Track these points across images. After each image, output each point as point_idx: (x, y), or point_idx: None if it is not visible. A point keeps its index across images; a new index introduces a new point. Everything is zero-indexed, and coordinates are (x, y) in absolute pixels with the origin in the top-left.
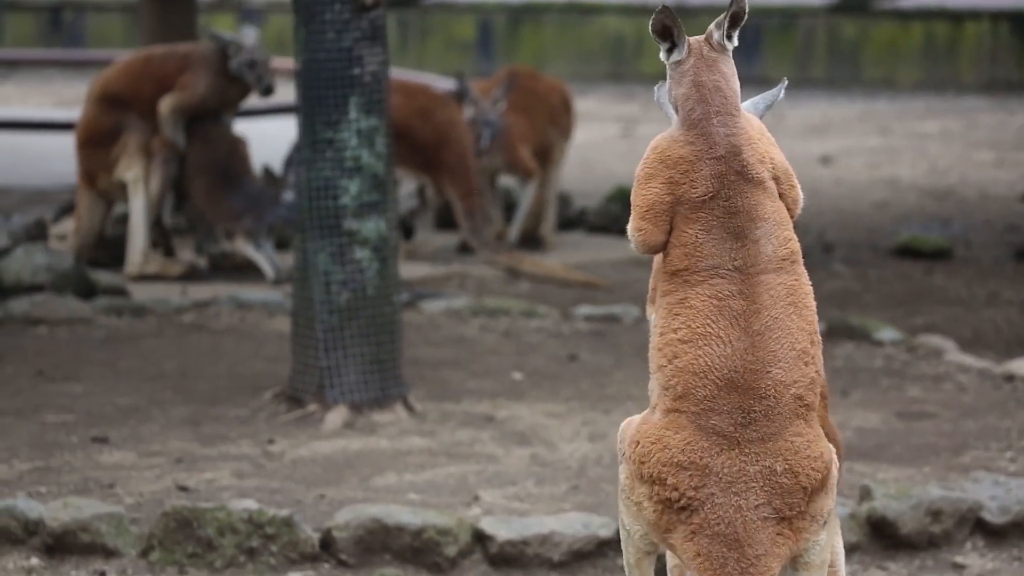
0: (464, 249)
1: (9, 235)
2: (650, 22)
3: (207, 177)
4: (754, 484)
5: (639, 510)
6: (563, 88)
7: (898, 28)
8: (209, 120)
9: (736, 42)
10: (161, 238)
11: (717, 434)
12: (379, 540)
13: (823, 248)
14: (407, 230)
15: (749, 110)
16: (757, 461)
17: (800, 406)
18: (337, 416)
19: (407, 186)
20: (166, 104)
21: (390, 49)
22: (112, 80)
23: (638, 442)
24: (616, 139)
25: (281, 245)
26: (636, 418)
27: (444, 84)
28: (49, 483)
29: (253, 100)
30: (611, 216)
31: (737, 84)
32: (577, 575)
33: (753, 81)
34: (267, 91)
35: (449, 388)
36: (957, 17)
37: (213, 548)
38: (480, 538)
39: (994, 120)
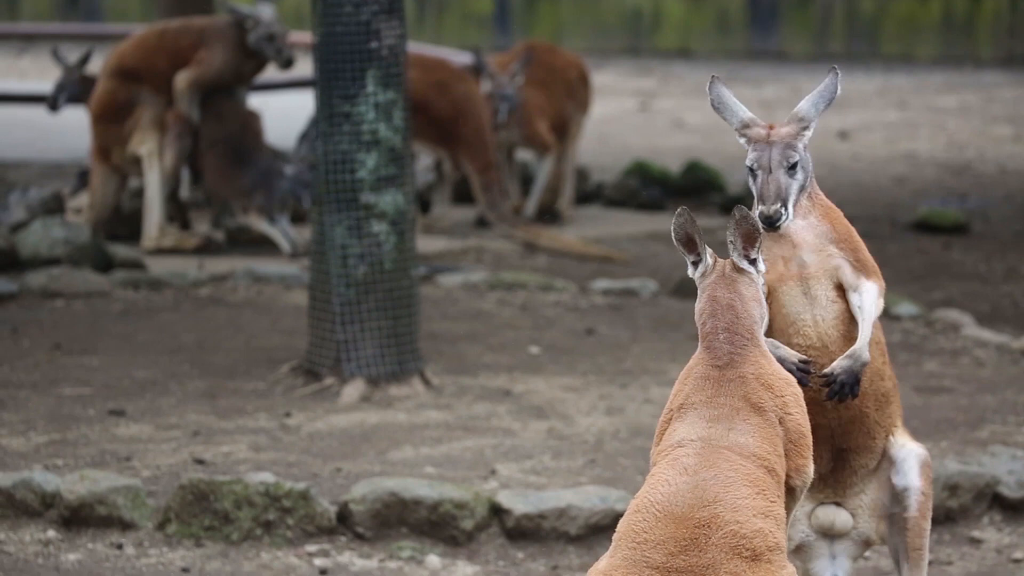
0: (481, 223)
1: (26, 208)
2: (672, 229)
3: (219, 153)
4: None
5: None
6: (580, 62)
7: (916, 3)
8: (222, 95)
9: (762, 266)
10: (177, 212)
11: (651, 567)
12: (396, 513)
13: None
14: (424, 204)
15: (810, 113)
16: None
17: (742, 548)
18: (354, 390)
19: (424, 160)
20: (182, 79)
21: (407, 23)
22: (127, 54)
23: None
24: (633, 113)
25: (297, 219)
26: None
27: (461, 58)
28: (66, 456)
29: (270, 73)
30: (628, 190)
31: (757, 309)
32: (594, 548)
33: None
34: (287, 64)
35: (466, 362)
36: None
37: (230, 521)
38: (497, 511)
39: (1012, 95)
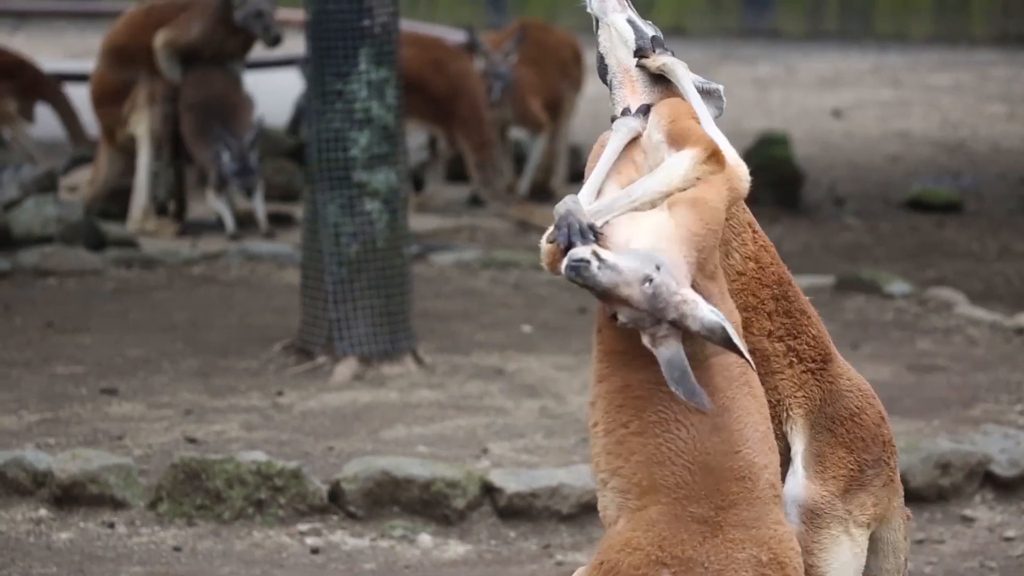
0: (475, 202)
1: (19, 186)
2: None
3: (191, 117)
4: (744, 573)
5: None
6: (574, 41)
7: None
8: (214, 66)
9: None
10: (178, 193)
11: (697, 522)
12: (388, 492)
13: (834, 201)
14: (417, 182)
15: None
16: (743, 549)
17: (775, 494)
18: (346, 368)
19: (418, 138)
20: (159, 37)
21: (400, 1)
22: (117, 34)
23: (602, 562)
24: None
25: (291, 197)
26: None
27: (455, 36)
28: (58, 434)
29: (263, 52)
30: None
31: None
32: (586, 527)
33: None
34: (274, 41)
35: (459, 341)
36: None
37: (221, 500)
38: (489, 490)
39: (1006, 73)
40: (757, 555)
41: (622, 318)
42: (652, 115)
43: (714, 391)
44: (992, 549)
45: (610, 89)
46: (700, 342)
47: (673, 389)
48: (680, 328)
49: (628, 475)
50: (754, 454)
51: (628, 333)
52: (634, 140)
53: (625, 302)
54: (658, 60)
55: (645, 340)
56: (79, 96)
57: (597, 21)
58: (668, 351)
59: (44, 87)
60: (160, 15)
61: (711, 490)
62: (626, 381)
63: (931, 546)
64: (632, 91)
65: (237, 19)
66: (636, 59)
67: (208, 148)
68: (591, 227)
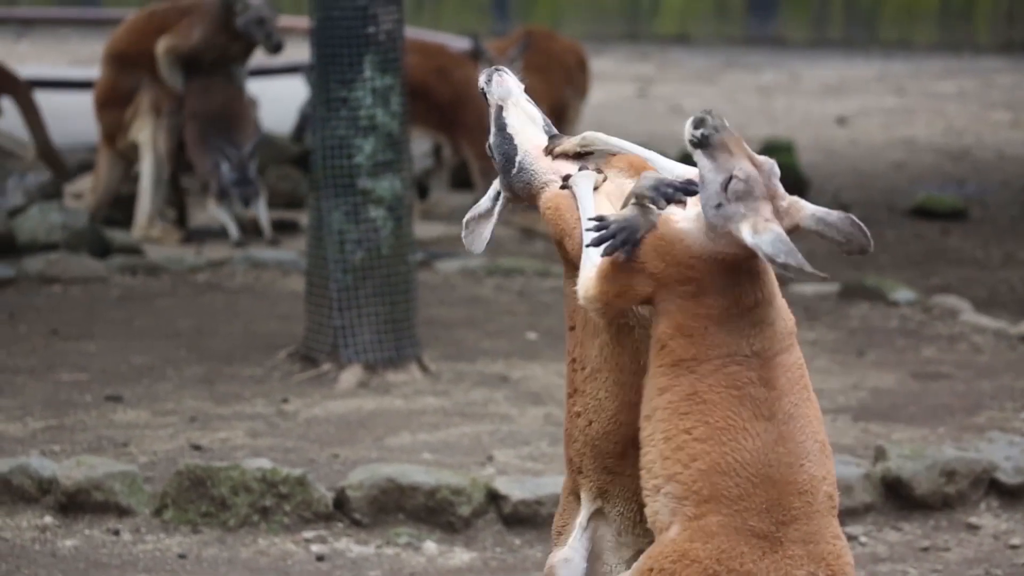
0: None
1: (24, 193)
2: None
3: (194, 126)
4: None
5: None
6: (578, 48)
7: None
8: (217, 74)
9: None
10: (176, 199)
11: (757, 536)
12: (393, 500)
13: (839, 208)
14: (422, 189)
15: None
16: (802, 566)
17: (831, 505)
18: (351, 376)
19: (422, 145)
20: (160, 44)
21: (405, 8)
22: (119, 39)
23: (652, 569)
24: (632, 99)
25: (296, 204)
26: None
27: (460, 43)
28: (63, 442)
29: (267, 59)
30: None
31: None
32: None
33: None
34: (276, 48)
35: (463, 348)
36: None
37: (227, 507)
38: (494, 498)
39: (1011, 81)
40: (815, 572)
41: (737, 181)
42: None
43: (780, 395)
44: (997, 557)
45: (519, 168)
46: (769, 337)
47: (780, 264)
48: (781, 217)
49: (687, 482)
50: (814, 466)
51: (695, 341)
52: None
53: (750, 158)
54: (573, 139)
55: (746, 232)
56: (79, 103)
57: (499, 108)
58: (771, 233)
59: (9, 84)
60: (162, 20)
61: (772, 504)
62: (694, 388)
63: (936, 554)
64: (550, 163)
65: (238, 25)
66: (552, 145)
67: (208, 158)
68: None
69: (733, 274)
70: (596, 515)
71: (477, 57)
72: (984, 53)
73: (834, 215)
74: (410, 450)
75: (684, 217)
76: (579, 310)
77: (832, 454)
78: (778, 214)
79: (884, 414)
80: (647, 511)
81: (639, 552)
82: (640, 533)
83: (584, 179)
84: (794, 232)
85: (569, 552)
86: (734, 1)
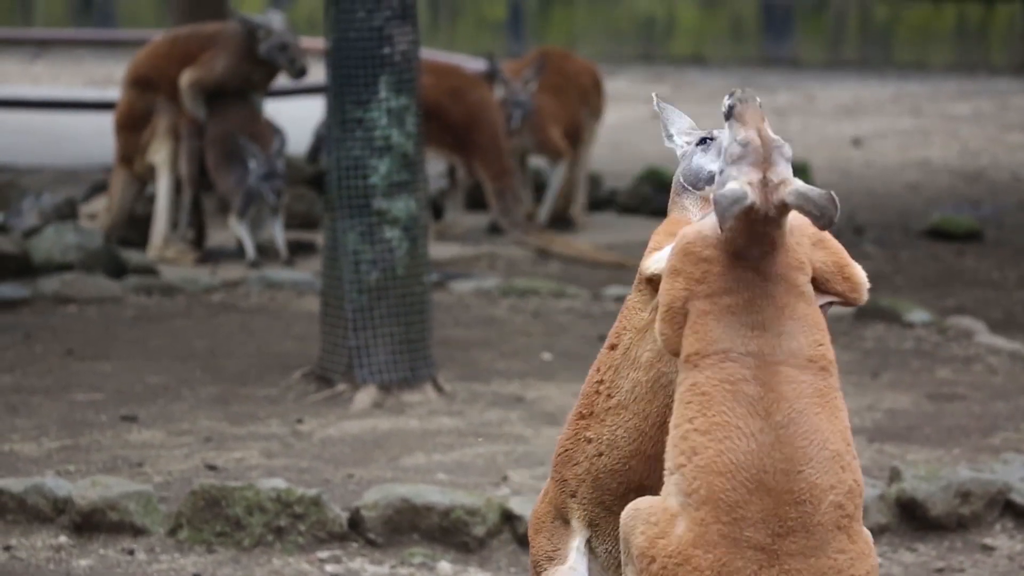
0: (494, 229)
1: (39, 214)
2: (725, 190)
3: (213, 150)
4: None
5: None
6: (594, 69)
7: (930, 10)
8: (235, 98)
9: None
10: (196, 220)
11: (753, 548)
12: (407, 520)
13: (854, 230)
14: (437, 210)
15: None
16: None
17: (842, 516)
18: (366, 396)
19: (437, 166)
20: (184, 77)
21: (420, 28)
22: (140, 63)
23: (653, 558)
24: (647, 120)
25: (311, 224)
26: (643, 507)
27: (475, 64)
28: (78, 461)
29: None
30: (641, 197)
31: (787, 223)
32: None
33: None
34: (300, 73)
35: (478, 368)
36: None
37: (241, 527)
38: (509, 518)
39: None
40: None
41: (735, 145)
42: None
43: (779, 397)
44: None
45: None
46: (771, 344)
47: (720, 214)
48: (770, 190)
49: (690, 477)
50: (817, 475)
51: (699, 336)
52: None
53: (759, 131)
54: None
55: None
56: (93, 123)
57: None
58: (727, 187)
59: None
60: (184, 47)
61: (768, 514)
62: (695, 380)
63: (951, 575)
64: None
65: (261, 52)
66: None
67: (232, 173)
68: None
69: (741, 276)
70: (586, 546)
71: (492, 78)
72: (1000, 74)
73: (815, 191)
74: (425, 470)
75: (703, 215)
76: (627, 331)
77: (854, 467)
78: (766, 186)
79: (899, 435)
80: (662, 491)
81: None
82: None
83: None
84: (781, 210)
85: (571, 574)
86: (749, 22)
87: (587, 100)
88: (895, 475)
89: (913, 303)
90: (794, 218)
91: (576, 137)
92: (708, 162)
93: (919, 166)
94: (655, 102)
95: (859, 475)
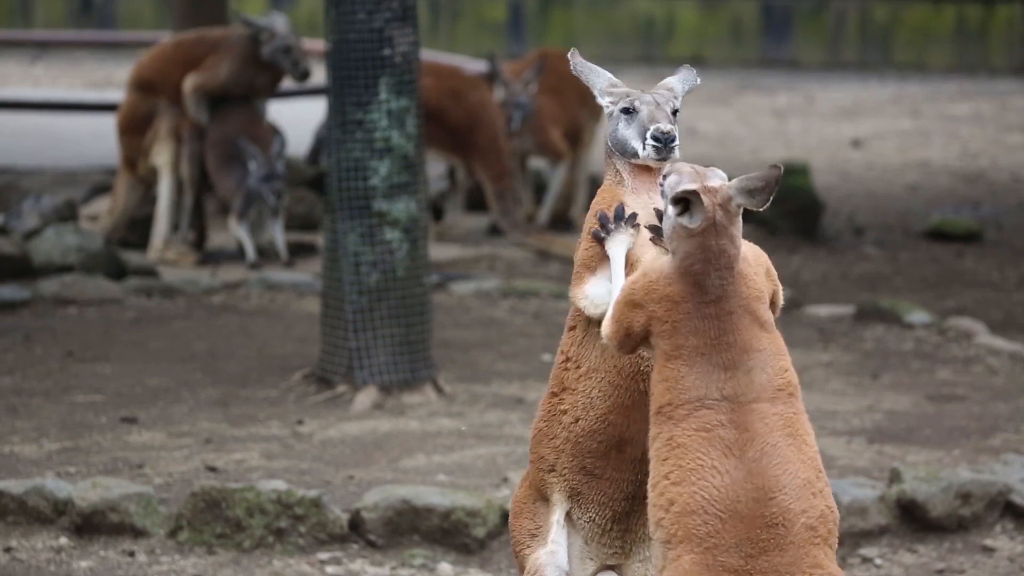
0: (494, 231)
1: (40, 216)
2: (674, 192)
3: (215, 153)
4: None
5: None
6: None
7: (930, 11)
8: (237, 101)
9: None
10: (197, 221)
11: (728, 571)
12: (408, 521)
13: (854, 231)
14: (437, 211)
15: (678, 88)
16: None
17: (814, 537)
18: (366, 397)
19: (437, 168)
20: (188, 83)
21: (421, 30)
22: (144, 67)
23: None
24: None
25: (311, 226)
26: None
27: (475, 66)
28: (78, 463)
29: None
30: None
31: (740, 241)
32: None
33: (783, 64)
34: (303, 76)
35: (478, 370)
36: (988, 0)
37: (242, 528)
38: (508, 519)
39: None
40: None
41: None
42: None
43: (753, 436)
44: None
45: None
46: (744, 384)
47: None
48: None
49: (667, 526)
50: (790, 500)
51: (670, 386)
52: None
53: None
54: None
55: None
56: (94, 125)
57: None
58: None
59: None
60: (189, 51)
61: (741, 539)
62: (671, 434)
63: None
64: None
65: (265, 55)
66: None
67: (232, 174)
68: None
69: (705, 313)
70: (567, 519)
71: (492, 79)
72: (999, 75)
73: (752, 173)
74: (425, 472)
75: (661, 251)
76: (583, 312)
77: (826, 494)
78: (707, 192)
79: (899, 436)
80: (652, 553)
81: (603, 567)
82: (607, 543)
83: (619, 244)
84: (727, 206)
85: (552, 546)
86: (749, 24)
87: (587, 102)
88: (895, 476)
89: (913, 304)
90: (748, 248)
91: (576, 138)
92: (632, 137)
93: (919, 167)
94: (572, 63)
95: (832, 502)
